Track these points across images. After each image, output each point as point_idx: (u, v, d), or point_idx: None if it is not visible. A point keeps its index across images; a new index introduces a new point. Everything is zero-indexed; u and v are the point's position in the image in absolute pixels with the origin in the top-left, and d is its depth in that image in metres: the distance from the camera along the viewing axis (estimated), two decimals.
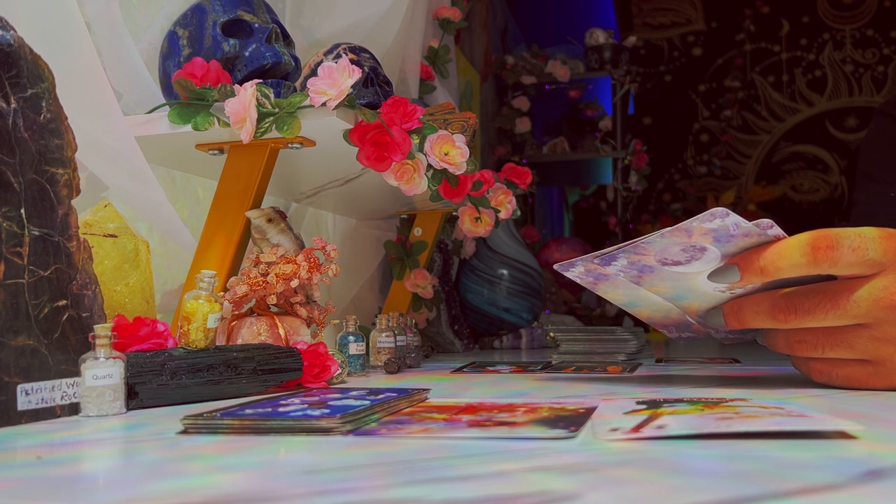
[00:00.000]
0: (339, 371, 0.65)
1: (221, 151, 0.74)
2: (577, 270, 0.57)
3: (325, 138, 0.72)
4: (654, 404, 0.45)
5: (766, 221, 0.50)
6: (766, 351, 0.96)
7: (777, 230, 0.50)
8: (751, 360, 0.90)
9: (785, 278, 0.51)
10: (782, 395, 0.52)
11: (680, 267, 0.52)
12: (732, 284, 0.52)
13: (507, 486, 0.28)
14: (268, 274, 0.68)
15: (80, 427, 0.44)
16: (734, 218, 0.48)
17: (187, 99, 0.69)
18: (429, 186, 0.74)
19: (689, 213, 2.57)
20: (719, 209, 0.47)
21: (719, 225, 0.48)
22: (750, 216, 1.07)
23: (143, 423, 0.45)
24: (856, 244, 0.49)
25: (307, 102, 0.66)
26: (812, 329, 0.52)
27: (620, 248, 0.52)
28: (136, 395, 0.50)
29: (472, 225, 1.03)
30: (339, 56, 0.79)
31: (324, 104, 0.65)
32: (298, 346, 0.63)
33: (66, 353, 0.47)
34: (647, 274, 0.53)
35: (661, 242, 0.49)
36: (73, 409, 0.47)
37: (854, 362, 0.53)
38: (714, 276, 0.52)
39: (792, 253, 0.50)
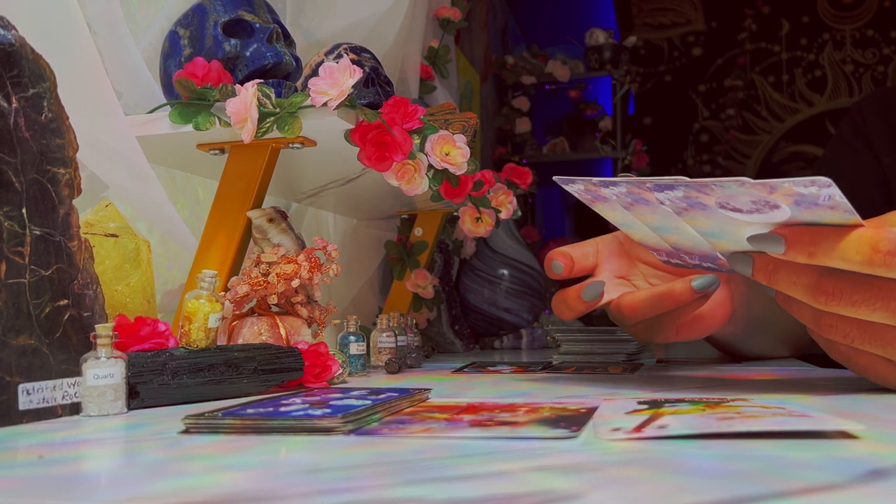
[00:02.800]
0: (340, 371, 0.65)
1: (222, 151, 0.74)
2: (577, 187, 0.56)
3: (326, 138, 0.72)
4: (655, 404, 0.45)
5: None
6: (766, 345, 0.96)
7: (855, 216, 0.46)
8: (755, 361, 0.90)
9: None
10: (783, 396, 0.52)
11: (738, 214, 0.48)
12: (773, 254, 0.49)
13: (509, 485, 0.28)
14: (269, 274, 0.68)
15: (81, 427, 0.44)
16: (832, 190, 0.44)
17: (188, 99, 0.69)
18: (429, 186, 0.74)
19: None
20: (824, 178, 0.43)
21: (812, 192, 0.44)
22: None
23: (145, 423, 0.45)
24: None
25: (308, 102, 0.66)
26: (848, 318, 0.49)
27: (684, 181, 0.48)
28: (138, 395, 0.50)
29: (473, 225, 1.03)
30: (339, 56, 0.79)
31: (325, 104, 0.65)
32: (299, 346, 0.63)
33: (68, 353, 0.47)
34: (694, 210, 0.50)
35: (735, 189, 0.46)
36: (75, 408, 0.47)
37: (881, 358, 0.51)
38: (756, 241, 0.49)
39: (849, 247, 0.46)
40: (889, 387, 0.53)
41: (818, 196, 0.44)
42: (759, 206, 0.47)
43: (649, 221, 0.56)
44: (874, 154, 1.01)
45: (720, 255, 0.56)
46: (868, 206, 1.08)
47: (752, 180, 0.45)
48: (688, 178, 0.47)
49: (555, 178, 0.56)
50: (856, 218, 0.46)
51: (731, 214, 0.49)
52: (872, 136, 1.02)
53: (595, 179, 0.53)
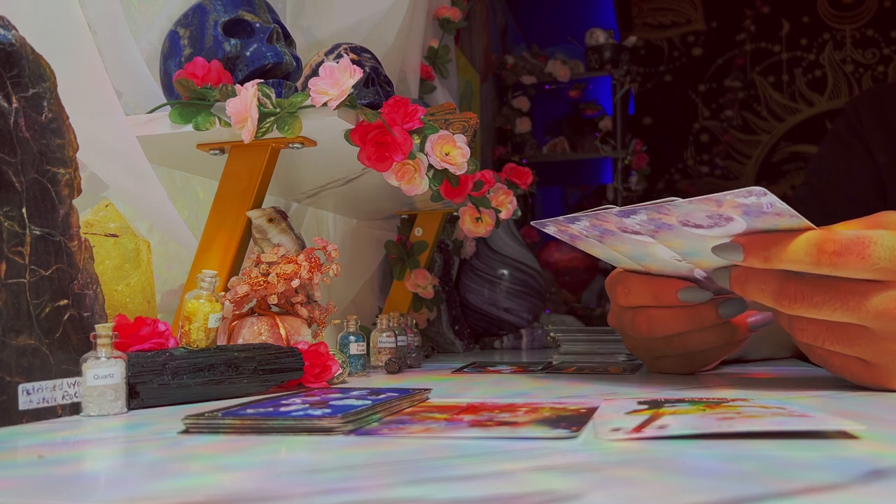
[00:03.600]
0: (340, 371, 0.65)
1: (222, 151, 0.74)
2: (551, 230, 0.58)
3: (326, 138, 0.72)
4: (655, 404, 0.45)
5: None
6: (768, 351, 0.96)
7: (802, 220, 0.48)
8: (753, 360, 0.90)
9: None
10: (784, 396, 0.52)
11: (701, 230, 0.51)
12: (734, 262, 0.52)
13: (509, 485, 0.28)
14: (269, 274, 0.68)
15: (81, 427, 0.44)
16: (770, 198, 0.46)
17: (188, 99, 0.69)
18: (430, 186, 0.74)
19: None
20: (757, 188, 0.46)
21: (753, 202, 0.47)
22: None
23: (145, 423, 0.45)
24: (866, 252, 0.47)
25: (308, 102, 0.66)
26: (815, 320, 0.51)
27: (644, 205, 0.51)
28: (138, 395, 0.50)
29: (473, 225, 1.03)
30: (340, 56, 0.79)
31: (325, 104, 0.65)
32: (299, 346, 0.63)
33: (68, 353, 0.47)
34: (663, 231, 0.53)
35: (687, 207, 0.49)
36: (75, 408, 0.47)
37: (852, 358, 0.53)
38: (718, 250, 0.52)
39: (797, 249, 0.48)
40: (866, 385, 0.54)
41: (761, 205, 0.47)
42: (715, 220, 0.49)
43: (623, 251, 0.57)
44: (869, 152, 1.01)
45: (702, 276, 0.58)
46: (862, 204, 1.08)
47: (696, 197, 0.47)
48: (648, 202, 0.50)
49: (532, 223, 0.58)
50: (803, 221, 0.48)
51: (694, 231, 0.51)
52: (867, 135, 1.02)
53: (562, 218, 0.55)
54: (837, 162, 1.04)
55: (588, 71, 2.63)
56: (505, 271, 1.42)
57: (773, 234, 0.50)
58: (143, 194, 0.72)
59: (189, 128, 0.69)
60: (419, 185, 0.73)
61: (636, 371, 0.76)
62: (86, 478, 0.32)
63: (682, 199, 0.48)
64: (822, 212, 1.01)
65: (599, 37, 2.60)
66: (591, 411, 0.44)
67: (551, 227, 0.58)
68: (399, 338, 0.88)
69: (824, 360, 0.54)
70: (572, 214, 0.54)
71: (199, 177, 0.94)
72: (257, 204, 0.73)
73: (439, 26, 1.64)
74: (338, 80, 0.65)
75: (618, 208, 0.52)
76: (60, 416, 0.46)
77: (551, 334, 1.03)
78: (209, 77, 0.69)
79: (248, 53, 0.74)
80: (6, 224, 0.45)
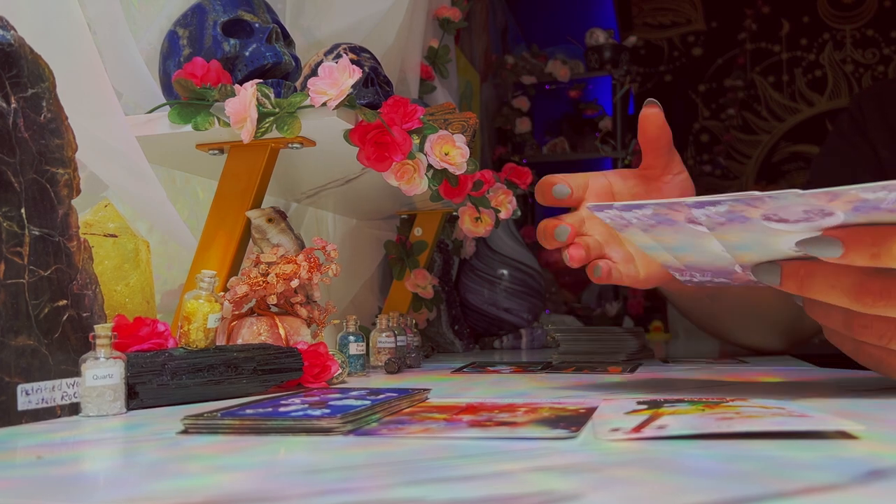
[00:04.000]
0: (340, 371, 0.65)
1: (221, 151, 0.74)
2: (610, 213, 0.52)
3: (326, 138, 0.72)
4: (654, 404, 0.45)
5: None
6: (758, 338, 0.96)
7: None
8: (754, 360, 0.90)
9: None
10: (783, 396, 0.52)
11: (783, 225, 0.46)
12: (828, 258, 0.46)
13: (509, 486, 0.28)
14: (268, 274, 0.68)
15: (80, 427, 0.44)
16: None
17: (187, 99, 0.69)
18: (429, 186, 0.74)
19: None
20: (892, 182, 0.41)
21: (881, 197, 0.42)
22: None
23: (144, 423, 0.45)
24: None
25: (307, 102, 0.66)
26: (883, 318, 0.47)
27: (727, 197, 0.45)
28: (137, 395, 0.50)
29: (473, 225, 1.03)
30: (339, 56, 0.79)
31: (324, 104, 0.65)
32: (299, 346, 0.63)
33: (67, 353, 0.47)
34: (731, 223, 0.48)
35: (791, 200, 0.43)
36: (74, 409, 0.47)
37: None
38: (806, 245, 0.46)
39: None
40: None
41: (883, 200, 0.42)
42: (809, 216, 0.45)
43: (667, 242, 0.54)
44: (872, 148, 1.01)
45: (738, 269, 0.55)
46: None
47: (812, 191, 0.42)
48: (740, 193, 0.45)
49: (588, 205, 0.52)
50: None
51: (773, 225, 0.46)
52: (870, 131, 1.01)
53: (622, 204, 0.50)
54: (840, 157, 1.04)
55: (588, 71, 2.62)
56: (505, 271, 1.42)
57: (881, 228, 0.44)
58: (142, 194, 0.72)
59: (188, 128, 0.69)
60: (418, 185, 0.73)
61: (636, 371, 0.76)
62: (85, 478, 0.32)
63: (787, 192, 0.43)
64: None
65: (599, 37, 2.60)
66: (590, 411, 0.44)
67: (611, 211, 0.52)
68: (398, 338, 0.88)
69: (879, 359, 0.50)
70: (638, 202, 0.49)
71: (199, 177, 0.94)
72: (256, 204, 0.73)
73: (439, 26, 1.64)
74: (337, 80, 0.65)
75: (694, 199, 0.47)
76: (59, 417, 0.46)
77: (551, 334, 1.03)
78: (208, 77, 0.69)
79: (247, 53, 0.74)
80: (5, 224, 0.44)
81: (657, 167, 0.65)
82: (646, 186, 0.66)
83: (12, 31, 0.46)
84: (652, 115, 0.62)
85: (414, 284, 1.16)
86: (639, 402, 0.47)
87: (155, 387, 0.51)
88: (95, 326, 0.47)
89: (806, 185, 1.11)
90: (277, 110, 0.67)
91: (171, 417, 0.45)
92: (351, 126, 0.69)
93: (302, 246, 0.72)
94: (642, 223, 0.52)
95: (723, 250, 0.52)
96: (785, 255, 0.49)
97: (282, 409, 0.44)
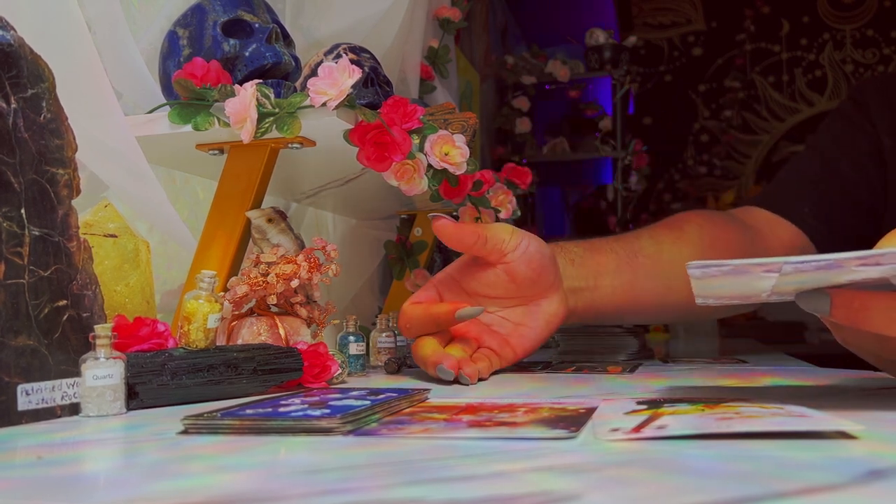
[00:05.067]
0: (340, 371, 0.65)
1: (221, 151, 0.74)
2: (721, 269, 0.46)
3: (326, 138, 0.72)
4: (654, 404, 0.45)
5: None
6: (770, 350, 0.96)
7: None
8: (755, 360, 0.90)
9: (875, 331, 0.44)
10: (783, 396, 0.52)
11: (878, 268, 0.43)
12: (822, 317, 0.45)
13: (508, 486, 0.28)
14: (268, 274, 0.68)
15: (80, 427, 0.44)
16: None
17: (187, 99, 0.69)
18: (429, 186, 0.74)
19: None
20: None
21: None
22: None
23: (144, 424, 0.45)
24: None
25: (307, 102, 0.66)
26: None
27: (867, 256, 0.42)
28: (137, 396, 0.50)
29: None
30: (339, 56, 0.79)
31: (324, 104, 0.65)
32: (299, 347, 0.63)
33: (67, 354, 0.47)
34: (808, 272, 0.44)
35: None
36: (74, 409, 0.47)
37: None
38: (800, 298, 0.45)
39: None
40: None
41: None
42: None
43: (785, 289, 0.47)
44: (876, 131, 0.99)
45: (764, 296, 0.49)
46: (864, 184, 1.06)
47: None
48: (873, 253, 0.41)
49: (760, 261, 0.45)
50: None
51: (865, 269, 0.43)
52: (874, 117, 1.00)
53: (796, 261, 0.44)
54: (842, 137, 1.02)
55: (588, 71, 2.62)
56: None
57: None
58: (142, 195, 0.72)
59: (188, 128, 0.69)
60: (418, 185, 0.73)
61: (636, 371, 0.76)
62: (85, 478, 0.32)
63: None
64: (820, 174, 1.00)
65: (599, 37, 2.59)
66: (590, 411, 0.44)
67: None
68: (398, 338, 0.88)
69: None
70: (822, 257, 0.43)
71: (199, 177, 0.94)
72: (256, 204, 0.73)
73: (439, 26, 1.64)
74: (337, 80, 0.65)
75: (859, 255, 0.42)
76: (59, 417, 0.46)
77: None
78: (208, 77, 0.69)
79: (247, 53, 0.74)
80: (5, 225, 0.44)
81: (488, 256, 0.71)
82: (485, 273, 0.72)
83: (12, 32, 0.46)
84: (440, 227, 0.69)
85: (414, 284, 1.16)
86: (638, 403, 0.47)
87: (155, 387, 0.51)
88: (95, 326, 0.47)
89: (803, 155, 1.04)
90: (277, 110, 0.67)
91: (171, 417, 0.45)
92: (351, 126, 0.69)
93: (302, 246, 0.72)
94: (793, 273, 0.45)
95: (771, 284, 0.47)
96: (830, 284, 0.46)
97: (282, 410, 0.44)
